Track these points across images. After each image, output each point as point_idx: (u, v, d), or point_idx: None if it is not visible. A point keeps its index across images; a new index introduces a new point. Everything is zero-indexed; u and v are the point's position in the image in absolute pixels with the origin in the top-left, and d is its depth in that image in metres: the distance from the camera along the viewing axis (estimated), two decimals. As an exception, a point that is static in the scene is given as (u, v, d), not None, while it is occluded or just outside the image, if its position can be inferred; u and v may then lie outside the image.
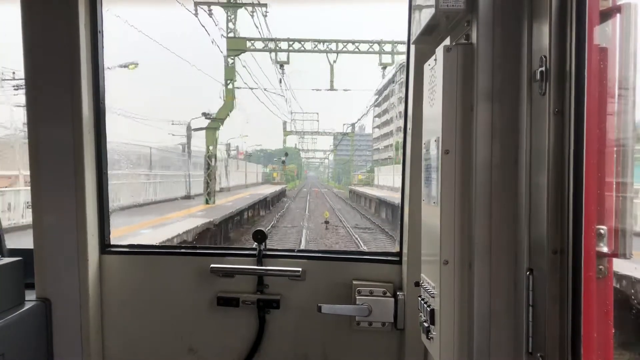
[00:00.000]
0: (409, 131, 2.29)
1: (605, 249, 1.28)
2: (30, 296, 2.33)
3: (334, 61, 26.73)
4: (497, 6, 1.53)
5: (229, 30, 25.21)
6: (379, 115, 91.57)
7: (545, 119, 1.36)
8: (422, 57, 1.95)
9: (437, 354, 1.69)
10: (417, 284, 1.96)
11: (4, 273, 2.17)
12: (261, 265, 2.46)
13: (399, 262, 2.43)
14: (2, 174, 17.55)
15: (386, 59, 26.80)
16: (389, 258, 2.47)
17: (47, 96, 2.31)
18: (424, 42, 1.95)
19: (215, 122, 25.61)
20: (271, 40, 26.21)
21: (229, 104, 25.46)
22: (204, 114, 26.30)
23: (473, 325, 1.57)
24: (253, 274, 2.46)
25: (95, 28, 2.38)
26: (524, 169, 1.48)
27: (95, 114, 2.41)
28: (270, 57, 27.46)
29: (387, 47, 26.52)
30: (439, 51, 1.66)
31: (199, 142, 27.15)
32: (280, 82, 37.51)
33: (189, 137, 29.88)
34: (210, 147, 25.65)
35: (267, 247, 2.51)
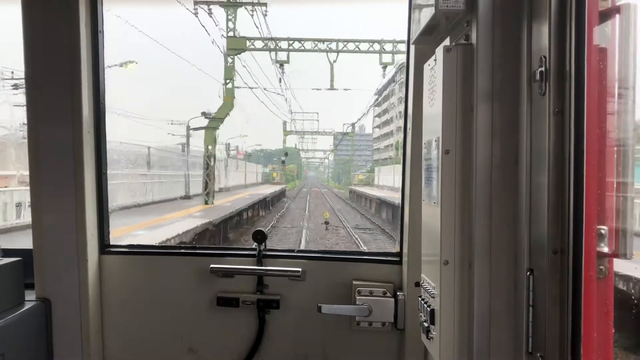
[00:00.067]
0: (409, 131, 2.29)
1: (605, 249, 1.28)
2: (30, 296, 2.33)
3: (334, 61, 26.70)
4: (496, 6, 1.53)
5: (228, 30, 25.15)
6: (379, 115, 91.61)
7: (545, 119, 1.36)
8: (422, 57, 1.95)
9: (437, 354, 1.69)
10: (417, 284, 1.96)
11: (3, 273, 2.17)
12: (261, 266, 2.46)
13: (399, 262, 2.43)
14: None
15: (386, 58, 26.76)
16: (389, 258, 2.47)
17: (47, 96, 2.31)
18: (424, 42, 1.95)
19: (214, 121, 25.50)
20: (271, 39, 26.16)
21: (228, 103, 25.35)
22: (203, 114, 26.23)
23: (473, 325, 1.57)
24: (253, 274, 2.46)
25: (95, 28, 2.38)
26: (524, 169, 1.48)
27: (95, 114, 2.41)
28: (270, 57, 27.44)
29: (388, 47, 26.48)
30: (439, 51, 1.66)
31: (199, 142, 27.13)
32: (280, 81, 37.51)
33: (188, 136, 29.88)
34: (210, 147, 25.52)
35: (267, 247, 2.51)
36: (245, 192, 37.85)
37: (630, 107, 1.26)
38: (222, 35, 25.15)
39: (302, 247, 19.09)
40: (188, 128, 30.16)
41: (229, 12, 25.04)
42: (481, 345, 1.56)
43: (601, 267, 1.30)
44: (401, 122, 2.50)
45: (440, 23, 1.75)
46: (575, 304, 1.31)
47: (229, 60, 25.24)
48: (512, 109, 1.52)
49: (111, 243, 2.55)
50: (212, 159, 25.25)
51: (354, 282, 2.41)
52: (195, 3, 23.07)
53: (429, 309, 1.76)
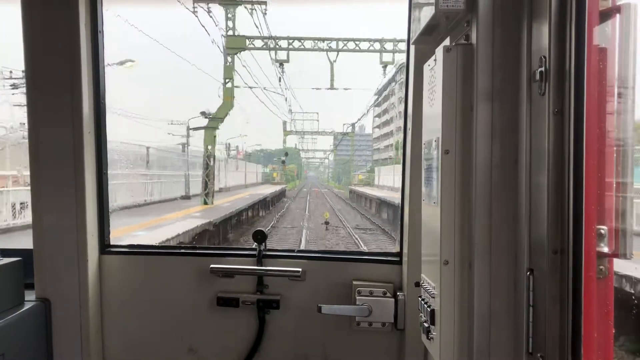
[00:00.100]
0: (409, 131, 2.29)
1: (605, 249, 1.28)
2: (30, 296, 2.33)
3: (334, 60, 26.62)
4: (496, 6, 1.53)
5: (228, 29, 25.02)
6: (379, 115, 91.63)
7: (545, 119, 1.36)
8: (422, 57, 1.95)
9: (437, 354, 1.69)
10: (417, 284, 1.96)
11: (3, 273, 2.17)
12: (261, 266, 2.46)
13: (399, 263, 2.43)
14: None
15: (387, 57, 26.67)
16: (389, 258, 2.47)
17: (47, 96, 2.31)
18: (424, 42, 1.95)
19: (213, 121, 25.34)
20: (270, 38, 26.02)
21: (227, 103, 25.17)
22: (203, 113, 26.12)
23: (473, 326, 1.57)
24: (253, 274, 2.46)
25: (95, 28, 2.38)
26: (524, 169, 1.48)
27: (95, 114, 2.41)
28: (270, 56, 27.34)
29: (388, 46, 26.38)
30: (439, 51, 1.66)
31: (199, 142, 27.03)
32: (280, 80, 37.43)
33: (187, 136, 29.80)
34: (209, 147, 25.38)
35: (267, 247, 2.51)
36: (245, 192, 37.84)
37: (630, 107, 1.26)
38: (222, 35, 25.10)
39: (302, 247, 19.08)
40: (188, 128, 30.09)
41: (228, 11, 24.92)
42: (481, 346, 1.56)
43: (601, 267, 1.30)
44: (401, 122, 2.50)
45: (440, 23, 1.75)
46: (576, 304, 1.31)
47: (229, 59, 25.12)
48: (512, 109, 1.52)
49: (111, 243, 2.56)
50: (211, 159, 25.13)
51: (354, 282, 2.41)
52: (195, 1, 22.97)
53: (429, 309, 1.75)
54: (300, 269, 2.40)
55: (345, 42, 26.62)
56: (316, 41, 26.46)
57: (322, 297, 2.39)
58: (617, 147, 1.27)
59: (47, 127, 2.32)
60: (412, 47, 2.19)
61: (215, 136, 25.50)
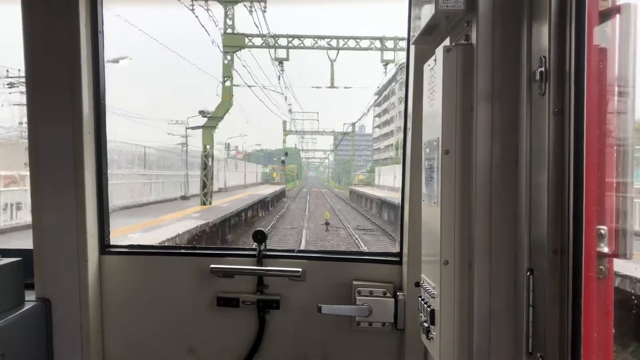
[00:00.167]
0: (409, 131, 2.29)
1: (605, 249, 1.28)
2: (30, 296, 2.33)
3: (334, 59, 26.50)
4: (496, 6, 1.53)
5: (226, 27, 24.76)
6: (379, 115, 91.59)
7: (545, 119, 1.36)
8: (422, 57, 1.95)
9: (437, 354, 1.69)
10: (417, 284, 1.96)
11: (3, 273, 2.17)
12: (261, 266, 2.46)
13: (399, 263, 2.43)
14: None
15: (388, 56, 26.49)
16: (389, 258, 2.47)
17: (47, 96, 2.31)
18: (424, 43, 1.96)
19: (212, 120, 25.01)
20: (269, 36, 25.74)
21: (226, 101, 24.82)
22: (201, 112, 25.89)
23: (473, 326, 1.57)
24: (253, 274, 2.46)
25: (95, 28, 2.38)
26: (524, 169, 1.48)
27: (95, 114, 2.41)
28: (270, 54, 27.11)
29: (389, 44, 26.18)
30: (439, 51, 1.66)
31: (200, 141, 26.84)
32: (279, 79, 37.28)
33: (186, 136, 29.63)
34: (207, 146, 25.04)
35: (267, 247, 2.51)
36: (244, 192, 37.76)
37: (630, 107, 1.26)
38: (222, 34, 24.93)
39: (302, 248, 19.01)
40: (186, 127, 29.92)
41: (227, 9, 24.69)
42: (481, 346, 1.56)
43: (601, 267, 1.30)
44: (401, 122, 2.50)
45: (440, 23, 1.75)
46: (575, 304, 1.31)
47: (227, 57, 24.89)
48: (512, 109, 1.52)
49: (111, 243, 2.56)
50: (209, 159, 24.87)
51: (354, 282, 2.41)
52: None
53: (429, 309, 1.76)
54: (300, 269, 2.40)
55: (345, 40, 26.32)
56: (316, 39, 26.19)
57: (322, 297, 2.39)
58: (617, 147, 1.27)
59: (47, 127, 2.32)
60: (412, 47, 2.19)
61: (213, 135, 25.27)
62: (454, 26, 1.72)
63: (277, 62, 27.57)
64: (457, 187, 1.62)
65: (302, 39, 26.08)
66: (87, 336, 2.38)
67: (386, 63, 26.88)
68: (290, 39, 25.96)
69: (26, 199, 16.47)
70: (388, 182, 46.46)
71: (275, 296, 2.46)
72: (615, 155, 1.28)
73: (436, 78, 1.69)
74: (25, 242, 2.56)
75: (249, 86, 29.87)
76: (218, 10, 24.40)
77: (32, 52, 2.30)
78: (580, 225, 1.29)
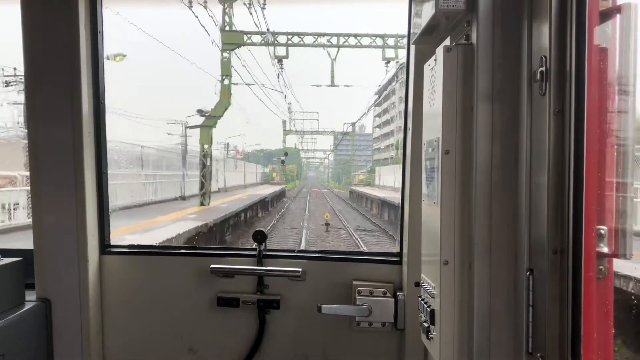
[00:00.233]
0: (409, 131, 2.29)
1: (605, 249, 1.29)
2: (30, 296, 2.33)
3: (334, 58, 26.30)
4: (497, 6, 1.53)
5: (225, 24, 24.41)
6: (379, 115, 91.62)
7: (545, 119, 1.36)
8: (422, 57, 1.95)
9: (437, 354, 1.69)
10: (417, 284, 1.96)
11: (4, 273, 2.17)
12: (261, 266, 2.46)
13: (399, 263, 2.43)
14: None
15: (389, 53, 26.15)
16: (389, 258, 2.47)
17: (47, 96, 2.31)
18: (424, 42, 1.96)
19: (210, 119, 24.54)
20: (268, 33, 25.24)
21: (224, 100, 24.35)
22: (199, 111, 25.57)
23: (473, 325, 1.57)
24: (253, 274, 2.46)
25: (95, 28, 2.38)
26: (524, 169, 1.48)
27: (95, 114, 2.41)
28: (269, 52, 26.76)
29: (390, 42, 25.83)
30: (439, 51, 1.66)
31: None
32: (279, 77, 37.11)
33: (185, 136, 29.41)
34: (205, 146, 24.63)
35: (267, 247, 2.51)
36: (244, 192, 37.67)
37: (631, 107, 1.26)
38: (220, 30, 24.60)
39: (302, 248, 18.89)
40: (185, 126, 29.67)
41: (225, 6, 24.38)
42: (481, 346, 1.56)
43: (601, 267, 1.30)
44: (401, 122, 2.50)
45: (441, 23, 1.75)
46: (575, 304, 1.31)
47: (225, 55, 24.61)
48: (512, 109, 1.52)
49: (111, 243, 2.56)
50: (208, 159, 24.58)
51: (354, 282, 2.41)
52: (191, -3, 22.38)
53: (429, 309, 1.76)
54: (300, 269, 2.40)
55: (346, 37, 25.75)
56: (316, 37, 25.63)
57: (322, 297, 2.39)
58: (617, 147, 1.27)
59: (47, 127, 2.32)
60: (413, 47, 2.19)
61: (212, 135, 24.90)
62: (454, 26, 1.72)
63: (276, 60, 27.35)
64: (457, 187, 1.62)
65: (301, 36, 25.66)
66: (87, 336, 2.38)
67: (387, 61, 26.52)
68: (289, 37, 25.56)
69: (20, 200, 16.43)
70: (389, 182, 46.43)
71: (276, 296, 2.46)
72: (615, 155, 1.28)
73: (436, 78, 1.69)
74: (24, 242, 2.55)
75: (248, 85, 29.74)
76: (218, 10, 24.29)
77: (31, 52, 2.30)
78: (580, 225, 1.29)
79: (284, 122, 67.15)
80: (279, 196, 45.90)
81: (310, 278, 2.45)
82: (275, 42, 25.48)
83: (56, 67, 2.30)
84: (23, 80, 2.39)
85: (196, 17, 21.74)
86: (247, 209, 27.78)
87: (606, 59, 1.29)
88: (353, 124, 77.40)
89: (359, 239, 22.04)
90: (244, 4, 23.86)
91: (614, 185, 1.28)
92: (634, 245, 1.26)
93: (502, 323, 1.55)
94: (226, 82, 24.34)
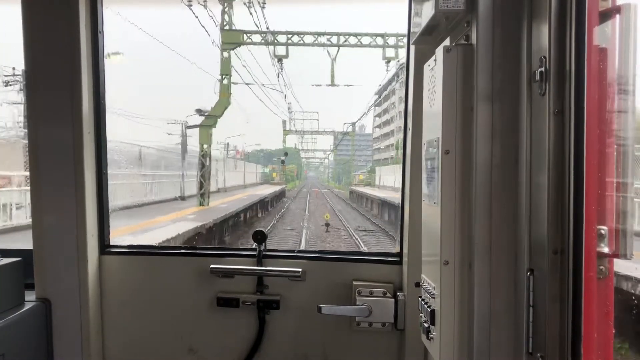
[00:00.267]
0: (409, 131, 2.29)
1: (605, 250, 1.28)
2: (30, 296, 2.33)
3: (334, 58, 26.21)
4: (496, 6, 1.53)
5: (224, 24, 24.22)
6: (379, 115, 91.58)
7: (545, 119, 1.36)
8: (422, 57, 1.96)
9: (437, 354, 1.69)
10: (418, 285, 1.96)
11: (3, 273, 2.17)
12: (261, 266, 2.46)
13: (399, 263, 2.43)
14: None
15: (390, 53, 25.96)
16: (389, 258, 2.47)
17: (47, 96, 2.31)
18: (424, 43, 1.96)
19: (209, 119, 24.36)
20: (268, 32, 24.93)
21: (224, 100, 24.19)
22: (198, 111, 25.38)
23: (473, 326, 1.57)
24: (253, 275, 2.46)
25: (95, 28, 2.38)
26: (524, 169, 1.48)
27: (95, 114, 2.41)
28: (269, 51, 26.63)
29: (391, 41, 25.68)
30: (439, 52, 1.66)
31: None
32: (279, 77, 36.99)
33: (185, 135, 29.28)
34: (205, 146, 24.44)
35: (267, 247, 2.51)
36: (243, 192, 37.59)
37: (631, 107, 1.26)
38: (220, 29, 24.49)
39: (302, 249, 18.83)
40: (184, 126, 29.56)
41: (225, 5, 24.25)
42: (481, 346, 1.56)
43: (601, 267, 1.30)
44: (401, 122, 2.50)
45: (440, 23, 1.75)
46: (576, 304, 1.31)
47: (225, 54, 24.32)
48: (512, 109, 1.52)
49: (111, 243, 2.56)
50: (207, 158, 24.39)
51: (354, 283, 2.41)
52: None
53: (429, 309, 1.76)
54: (300, 269, 2.40)
55: (346, 36, 25.57)
56: (316, 36, 25.41)
57: (322, 298, 2.39)
58: (617, 147, 1.27)
59: (47, 127, 2.32)
60: (412, 47, 2.19)
61: (211, 135, 24.70)
62: (454, 26, 1.72)
63: (276, 60, 27.24)
64: (457, 187, 1.62)
65: (301, 35, 25.43)
66: (87, 336, 2.38)
67: (388, 60, 26.38)
68: (289, 36, 25.35)
69: (17, 199, 16.39)
70: (389, 182, 46.38)
71: (275, 296, 2.46)
72: (615, 155, 1.28)
73: (436, 78, 1.69)
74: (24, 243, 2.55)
75: (247, 84, 29.63)
76: (218, 10, 24.22)
77: (32, 51, 2.30)
78: (580, 225, 1.29)
79: (284, 122, 67.11)
80: (279, 196, 45.85)
81: (310, 278, 2.45)
82: (275, 41, 25.36)
83: (56, 67, 2.30)
84: (23, 79, 2.39)
85: (196, 17, 21.71)
86: (247, 209, 27.70)
87: (606, 59, 1.29)
88: (353, 124, 77.33)
89: (359, 240, 22.01)
90: (244, 3, 23.75)
91: (614, 185, 1.28)
92: (634, 245, 1.26)
93: (502, 323, 1.55)
94: (226, 81, 24.22)
